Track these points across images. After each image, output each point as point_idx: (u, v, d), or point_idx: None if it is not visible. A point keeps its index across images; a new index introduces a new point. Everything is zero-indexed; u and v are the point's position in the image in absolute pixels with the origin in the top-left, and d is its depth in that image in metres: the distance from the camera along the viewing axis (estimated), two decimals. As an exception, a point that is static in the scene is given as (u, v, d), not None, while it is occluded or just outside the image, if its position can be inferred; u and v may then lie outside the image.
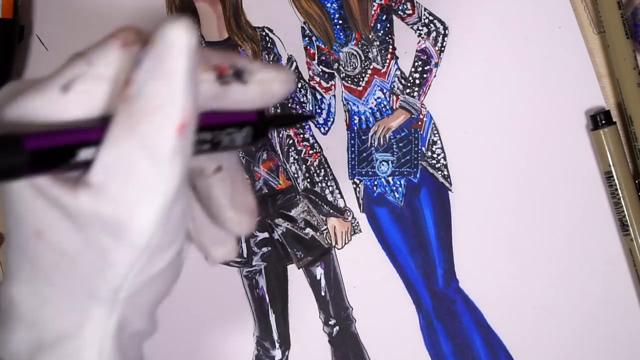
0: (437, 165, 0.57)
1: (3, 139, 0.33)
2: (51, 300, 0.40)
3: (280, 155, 0.58)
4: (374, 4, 0.57)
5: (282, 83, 0.41)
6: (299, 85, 0.58)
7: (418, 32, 0.57)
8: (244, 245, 0.58)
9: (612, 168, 0.55)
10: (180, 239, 0.40)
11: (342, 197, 0.57)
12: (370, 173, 0.57)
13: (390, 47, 0.57)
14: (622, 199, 0.55)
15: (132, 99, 0.36)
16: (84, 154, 0.35)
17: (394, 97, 0.57)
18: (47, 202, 0.37)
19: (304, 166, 0.57)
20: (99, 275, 0.38)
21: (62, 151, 0.35)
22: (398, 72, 0.57)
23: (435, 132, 0.57)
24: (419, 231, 0.57)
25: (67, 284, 0.39)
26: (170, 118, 0.35)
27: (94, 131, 0.36)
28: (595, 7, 0.56)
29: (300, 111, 0.58)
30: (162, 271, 0.40)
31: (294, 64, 0.58)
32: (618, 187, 0.55)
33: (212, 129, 0.38)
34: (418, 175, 0.57)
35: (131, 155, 0.36)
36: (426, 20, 0.57)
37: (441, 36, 0.57)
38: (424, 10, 0.57)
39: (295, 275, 0.58)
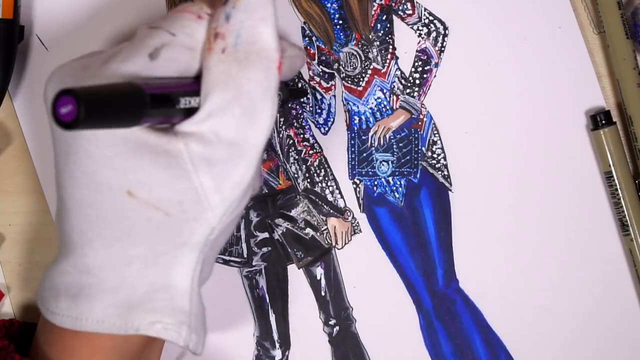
0: (437, 166, 0.57)
1: (132, 85, 0.37)
2: (136, 258, 0.41)
3: (280, 155, 0.58)
4: (374, 4, 0.57)
5: (302, 59, 0.48)
6: (299, 85, 0.58)
7: (418, 32, 0.57)
8: (244, 245, 0.58)
9: (612, 168, 0.55)
10: (259, 176, 0.44)
11: (342, 197, 0.57)
12: (370, 173, 0.57)
13: (391, 47, 0.57)
14: (622, 199, 0.55)
15: (230, 49, 0.40)
16: (183, 102, 0.39)
17: (394, 97, 0.57)
18: (150, 155, 0.38)
19: (304, 166, 0.57)
20: (196, 221, 0.40)
21: (169, 97, 0.39)
22: (398, 72, 0.57)
23: (436, 132, 0.57)
24: (419, 231, 0.57)
25: (156, 238, 0.40)
26: (272, 58, 0.40)
27: (188, 84, 0.40)
28: (595, 7, 0.56)
29: (300, 111, 0.58)
30: (238, 214, 0.43)
31: (294, 64, 0.58)
32: (618, 187, 0.55)
33: None
34: (418, 176, 0.57)
35: (242, 97, 0.39)
36: (426, 21, 0.57)
37: (441, 36, 0.57)
38: (424, 11, 0.57)
39: (296, 275, 0.58)
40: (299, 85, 0.58)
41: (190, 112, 0.40)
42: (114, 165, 0.39)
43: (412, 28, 0.57)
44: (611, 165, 0.55)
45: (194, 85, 0.40)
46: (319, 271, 0.58)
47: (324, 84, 0.57)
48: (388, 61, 0.57)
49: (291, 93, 0.52)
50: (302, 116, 0.57)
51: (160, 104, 0.38)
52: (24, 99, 0.58)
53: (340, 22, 0.57)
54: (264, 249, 0.58)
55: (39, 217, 0.59)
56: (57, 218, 0.43)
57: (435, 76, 0.57)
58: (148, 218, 0.40)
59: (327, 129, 0.58)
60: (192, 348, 0.42)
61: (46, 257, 0.59)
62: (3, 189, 0.59)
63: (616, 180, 0.55)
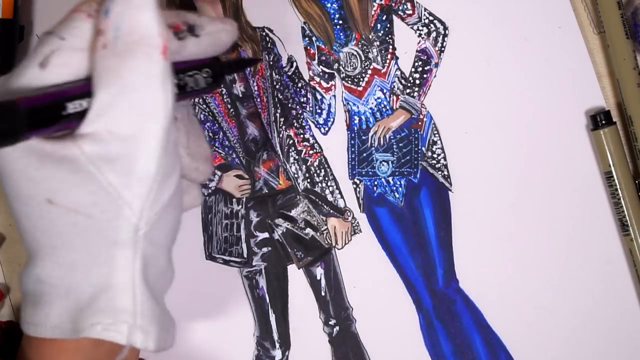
0: (437, 166, 0.57)
1: (4, 103, 0.36)
2: (77, 262, 0.41)
3: (281, 156, 0.58)
4: (374, 4, 0.57)
5: (228, 33, 0.45)
6: (299, 85, 0.58)
7: (418, 32, 0.57)
8: (244, 245, 0.58)
9: (612, 168, 0.55)
10: (179, 163, 0.42)
11: (342, 197, 0.57)
12: (370, 173, 0.57)
13: (391, 47, 0.57)
14: (622, 199, 0.55)
15: (111, 44, 0.39)
16: (72, 107, 0.38)
17: (394, 97, 0.57)
18: (54, 163, 0.38)
19: (304, 166, 0.57)
20: (117, 219, 0.40)
21: (53, 106, 0.38)
22: (398, 72, 0.57)
23: (436, 132, 0.57)
24: (419, 231, 0.57)
25: (88, 241, 0.40)
26: (154, 44, 0.39)
27: (78, 87, 0.39)
28: (595, 7, 0.56)
29: (300, 112, 0.58)
30: (170, 199, 0.42)
31: (294, 64, 0.58)
32: (618, 187, 0.55)
33: (177, 74, 0.41)
34: (418, 176, 0.57)
35: (125, 89, 0.39)
36: (426, 21, 0.57)
37: (441, 36, 0.57)
38: (424, 11, 0.57)
39: (296, 276, 0.58)
40: (299, 85, 0.58)
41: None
42: (28, 176, 0.39)
43: (412, 28, 0.57)
44: (611, 165, 0.55)
45: (85, 87, 0.39)
46: (319, 271, 0.58)
47: (324, 84, 0.57)
48: (388, 61, 0.57)
49: (229, 66, 0.50)
50: (302, 116, 0.57)
51: (42, 115, 0.38)
52: None
53: (340, 22, 0.57)
54: (264, 249, 0.58)
55: None
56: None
57: (435, 76, 0.57)
58: (73, 223, 0.40)
59: (327, 129, 0.58)
60: (141, 346, 0.42)
61: None
62: (3, 189, 0.59)
63: (616, 180, 0.55)
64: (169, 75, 0.39)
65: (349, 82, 0.57)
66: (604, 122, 0.55)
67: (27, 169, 0.39)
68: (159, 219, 0.42)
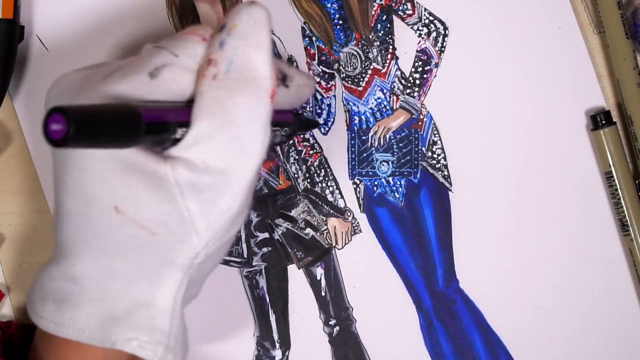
0: (437, 166, 0.57)
1: (130, 110, 0.36)
2: (121, 273, 0.41)
3: (281, 156, 0.58)
4: (374, 4, 0.57)
5: (311, 88, 0.48)
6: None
7: (418, 32, 0.57)
8: (244, 245, 0.58)
9: (612, 168, 0.55)
10: (249, 207, 0.43)
11: (342, 197, 0.57)
12: (370, 173, 0.57)
13: (391, 47, 0.57)
14: (622, 199, 0.55)
15: (221, 76, 0.39)
16: (180, 132, 0.39)
17: (394, 98, 0.57)
18: (138, 175, 0.38)
19: (304, 166, 0.57)
20: (181, 244, 0.40)
21: (166, 127, 0.39)
22: (398, 73, 0.57)
23: (436, 132, 0.57)
24: (419, 231, 0.57)
25: (141, 256, 0.40)
26: (264, 86, 0.40)
27: (183, 111, 0.40)
28: (595, 7, 0.56)
29: (300, 112, 0.58)
30: (230, 239, 0.43)
31: (294, 64, 0.58)
32: (618, 187, 0.55)
33: None
34: (418, 176, 0.57)
35: (228, 124, 0.39)
36: (426, 21, 0.57)
37: (441, 36, 0.57)
38: (424, 11, 0.57)
39: (296, 276, 0.58)
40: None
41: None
42: (103, 180, 0.39)
43: (412, 28, 0.57)
44: (611, 165, 0.55)
45: (186, 112, 0.40)
46: (319, 271, 0.58)
47: (324, 84, 0.57)
48: (388, 61, 0.57)
49: (301, 124, 0.52)
50: (302, 117, 0.57)
51: (155, 132, 0.38)
52: (24, 99, 0.58)
53: (341, 22, 0.57)
54: (264, 249, 0.58)
55: (39, 217, 0.59)
56: (53, 224, 0.43)
57: (435, 76, 0.57)
58: (134, 235, 0.40)
59: (327, 129, 0.58)
60: None
61: (46, 257, 0.58)
62: (3, 189, 0.59)
63: (616, 180, 0.55)
64: (269, 119, 0.40)
65: (349, 82, 0.57)
66: (604, 122, 0.55)
67: (106, 173, 0.39)
68: (216, 251, 0.42)
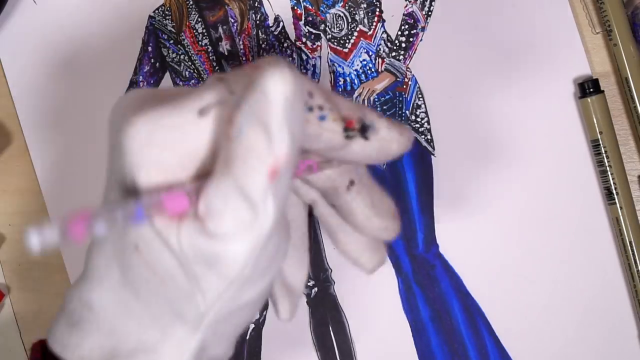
0: (420, 129, 0.57)
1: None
2: (135, 312, 0.40)
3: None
4: (362, -35, 0.57)
5: (401, 145, 0.40)
6: (285, 45, 0.58)
7: (405, -5, 0.57)
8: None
9: (599, 136, 0.54)
10: (271, 273, 0.40)
11: (324, 158, 0.57)
12: (353, 135, 0.57)
13: (377, 9, 0.57)
14: (608, 167, 0.54)
15: (232, 139, 0.36)
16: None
17: (380, 60, 0.57)
18: (151, 229, 0.37)
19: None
20: (187, 299, 0.38)
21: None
22: (384, 35, 0.57)
23: (420, 96, 0.57)
24: (400, 194, 0.57)
25: (153, 301, 0.39)
26: (262, 162, 0.35)
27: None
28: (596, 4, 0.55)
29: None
30: (248, 303, 0.40)
31: (281, 24, 0.58)
32: (604, 155, 0.54)
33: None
34: (401, 138, 0.57)
35: (228, 193, 0.36)
36: (413, -17, 0.57)
37: (428, 0, 0.57)
38: (411, -27, 0.57)
39: (276, 236, 0.58)
40: (285, 44, 0.58)
41: None
42: None
43: (399, -9, 0.57)
44: (598, 133, 0.54)
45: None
46: (300, 233, 0.57)
47: (310, 45, 0.57)
48: (374, 24, 0.57)
49: None
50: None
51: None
52: (24, 99, 0.59)
53: (328, -16, 0.57)
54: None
55: (39, 217, 0.59)
56: (88, 245, 0.43)
57: (421, 40, 0.57)
58: (147, 279, 0.39)
59: (312, 90, 0.58)
60: None
61: (46, 257, 0.59)
62: (3, 189, 0.59)
63: (602, 149, 0.54)
64: (276, 193, 0.36)
65: (335, 43, 0.57)
66: (591, 89, 0.55)
67: None
68: (230, 315, 0.40)
